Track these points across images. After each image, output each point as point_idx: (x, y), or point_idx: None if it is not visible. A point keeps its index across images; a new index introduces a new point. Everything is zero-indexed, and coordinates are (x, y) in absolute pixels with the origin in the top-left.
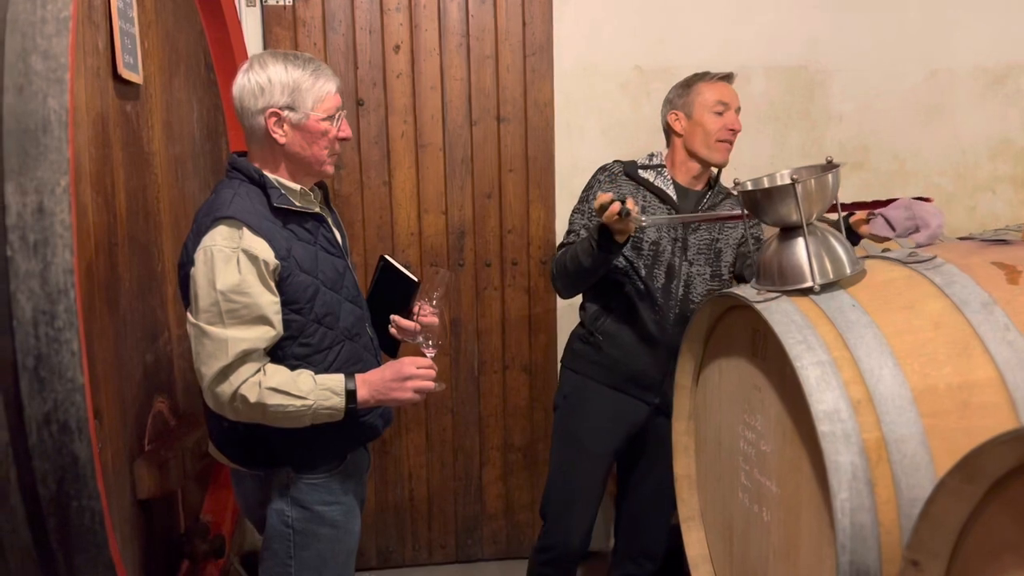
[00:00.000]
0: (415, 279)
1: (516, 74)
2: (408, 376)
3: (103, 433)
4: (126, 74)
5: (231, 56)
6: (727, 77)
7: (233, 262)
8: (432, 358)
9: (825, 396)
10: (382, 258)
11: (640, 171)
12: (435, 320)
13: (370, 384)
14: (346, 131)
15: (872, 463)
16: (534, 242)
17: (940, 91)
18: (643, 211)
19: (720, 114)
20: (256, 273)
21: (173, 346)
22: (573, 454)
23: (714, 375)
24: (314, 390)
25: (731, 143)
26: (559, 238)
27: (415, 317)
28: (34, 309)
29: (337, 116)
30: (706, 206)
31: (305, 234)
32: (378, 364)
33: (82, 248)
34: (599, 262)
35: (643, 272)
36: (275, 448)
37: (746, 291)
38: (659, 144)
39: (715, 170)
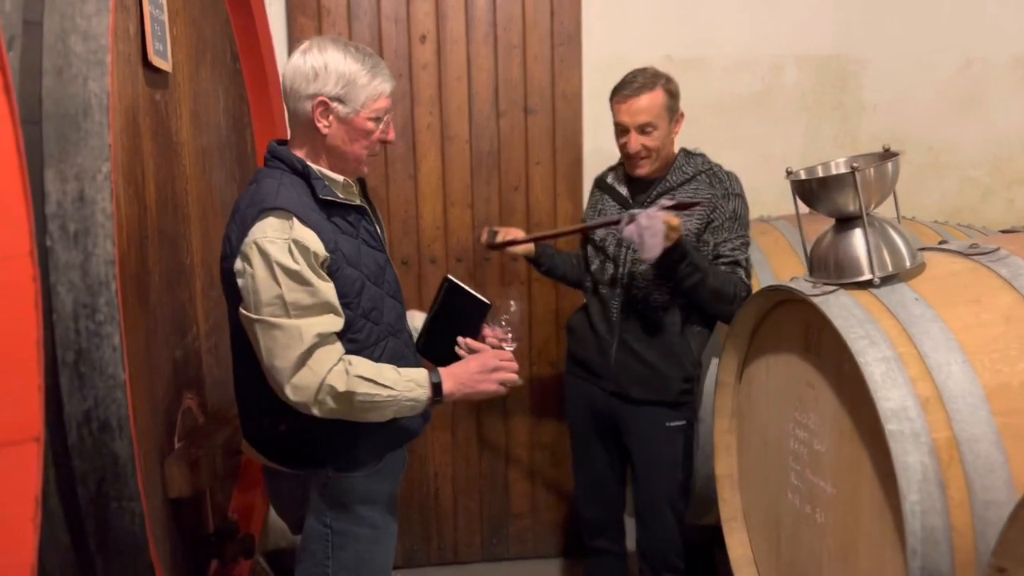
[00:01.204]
0: (487, 301)
1: (544, 64)
2: (494, 368)
3: (137, 431)
4: (156, 61)
5: (257, 46)
6: (634, 92)
7: (287, 253)
8: (512, 351)
9: (891, 393)
10: (446, 279)
11: (608, 174)
12: (510, 333)
13: (455, 377)
14: (391, 135)
15: (943, 464)
16: None
17: (976, 81)
18: (600, 213)
19: (619, 134)
20: (308, 264)
21: (201, 342)
22: (572, 446)
23: (760, 372)
24: (399, 381)
25: (636, 158)
26: None
27: (485, 339)
28: (74, 302)
29: (385, 119)
30: (654, 193)
31: (348, 227)
32: (417, 361)
33: (117, 240)
34: (544, 272)
35: (594, 267)
36: (317, 447)
37: (800, 284)
38: (688, 136)
39: (679, 153)
